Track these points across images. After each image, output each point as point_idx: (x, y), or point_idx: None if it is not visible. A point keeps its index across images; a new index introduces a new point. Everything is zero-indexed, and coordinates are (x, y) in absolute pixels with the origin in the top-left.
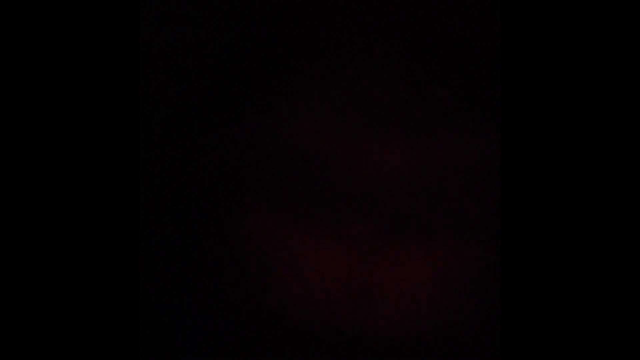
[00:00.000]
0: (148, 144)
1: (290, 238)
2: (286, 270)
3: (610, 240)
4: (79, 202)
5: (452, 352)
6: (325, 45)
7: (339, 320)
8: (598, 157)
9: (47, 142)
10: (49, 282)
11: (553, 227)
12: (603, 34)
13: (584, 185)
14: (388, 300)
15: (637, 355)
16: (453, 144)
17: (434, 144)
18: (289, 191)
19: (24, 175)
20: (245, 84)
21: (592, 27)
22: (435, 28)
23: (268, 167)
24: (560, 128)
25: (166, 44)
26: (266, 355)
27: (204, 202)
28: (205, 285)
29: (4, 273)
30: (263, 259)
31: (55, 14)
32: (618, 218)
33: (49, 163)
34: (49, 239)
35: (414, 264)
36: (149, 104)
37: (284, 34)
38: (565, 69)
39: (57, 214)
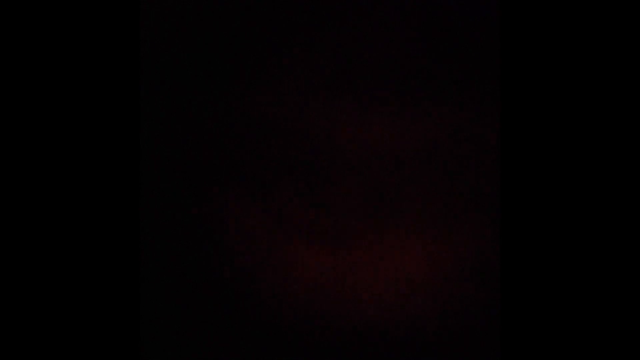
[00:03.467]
0: (148, 143)
1: (277, 225)
2: (274, 264)
3: (612, 219)
4: (69, 183)
5: (445, 348)
6: (315, 19)
7: (328, 313)
8: (599, 135)
9: (48, 141)
10: (49, 281)
11: (554, 211)
12: (603, 12)
13: (585, 168)
14: (376, 289)
15: (637, 354)
16: (450, 121)
17: (429, 122)
18: (272, 176)
19: (24, 174)
20: (230, 59)
21: (591, 8)
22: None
23: (251, 150)
24: (562, 107)
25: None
26: (255, 351)
27: (188, 194)
28: (188, 280)
29: (4, 273)
30: (247, 252)
31: (55, 14)
32: (620, 196)
33: (49, 162)
34: (48, 234)
35: (405, 251)
36: (147, 95)
37: (273, 7)
38: (567, 47)
39: (54, 207)
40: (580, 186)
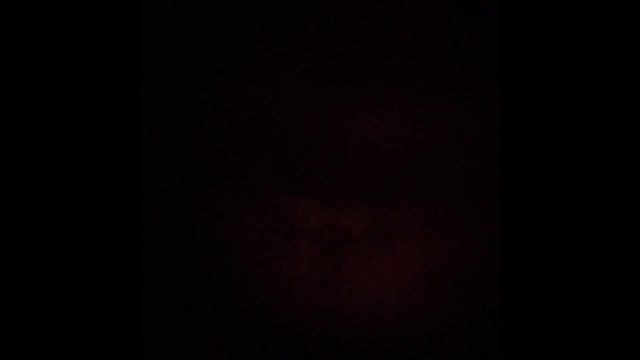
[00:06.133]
0: (148, 143)
1: (276, 225)
2: (272, 266)
3: (612, 218)
4: (70, 179)
5: (445, 348)
6: (315, 19)
7: (318, 315)
8: (598, 134)
9: (48, 141)
10: (49, 281)
11: (554, 210)
12: (603, 11)
13: (585, 166)
14: (374, 287)
15: (637, 353)
16: (450, 121)
17: (428, 122)
18: (272, 175)
19: (24, 174)
20: (233, 57)
21: (591, 7)
22: None
23: (251, 149)
24: (561, 106)
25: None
26: (253, 348)
27: (188, 192)
28: (187, 279)
29: (4, 273)
30: (245, 251)
31: (55, 14)
32: (619, 194)
33: (50, 161)
34: (48, 234)
35: (404, 250)
36: (148, 95)
37: (273, 7)
38: (567, 46)
39: (54, 207)
40: (579, 185)
